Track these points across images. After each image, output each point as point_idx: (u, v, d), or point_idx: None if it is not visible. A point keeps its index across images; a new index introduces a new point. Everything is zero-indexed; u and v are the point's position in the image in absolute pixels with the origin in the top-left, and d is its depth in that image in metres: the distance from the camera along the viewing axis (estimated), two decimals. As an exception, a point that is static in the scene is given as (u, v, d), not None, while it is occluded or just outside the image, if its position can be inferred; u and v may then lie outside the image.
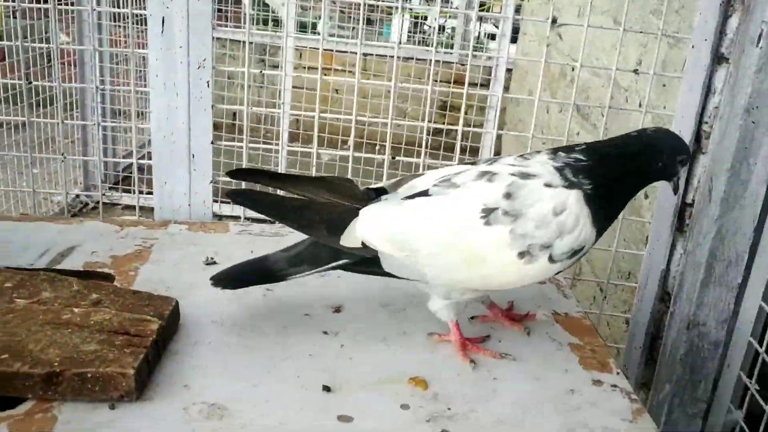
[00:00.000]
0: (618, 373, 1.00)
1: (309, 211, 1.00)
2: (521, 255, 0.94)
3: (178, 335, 1.02)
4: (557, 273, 0.99)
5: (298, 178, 1.07)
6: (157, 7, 1.33)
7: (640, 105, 1.68)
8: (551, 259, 0.94)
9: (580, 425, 0.88)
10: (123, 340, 0.92)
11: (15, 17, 2.71)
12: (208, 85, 1.38)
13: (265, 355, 0.99)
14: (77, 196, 3.71)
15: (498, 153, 3.75)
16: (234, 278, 1.04)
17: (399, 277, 1.00)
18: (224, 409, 0.87)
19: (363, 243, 0.97)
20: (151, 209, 1.51)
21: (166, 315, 0.99)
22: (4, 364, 0.86)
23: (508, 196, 0.94)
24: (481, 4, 5.17)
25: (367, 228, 0.98)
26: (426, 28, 5.08)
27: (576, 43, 2.47)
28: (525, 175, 0.96)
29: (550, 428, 0.87)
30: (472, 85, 4.19)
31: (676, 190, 1.07)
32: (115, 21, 3.77)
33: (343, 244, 0.98)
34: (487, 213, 0.94)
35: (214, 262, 1.25)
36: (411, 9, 5.01)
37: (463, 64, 4.33)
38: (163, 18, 1.33)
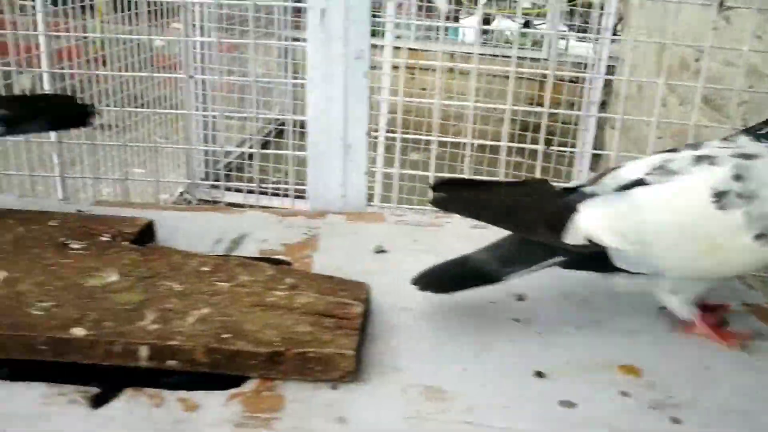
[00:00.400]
0: (838, 366, 0.96)
1: (523, 212, 0.99)
2: (758, 237, 0.91)
3: (372, 320, 1.02)
4: None
5: (496, 183, 1.07)
6: (316, -1, 1.35)
7: None
8: None
9: (816, 417, 0.84)
10: (332, 322, 0.93)
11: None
12: (366, 76, 1.38)
13: (464, 340, 0.98)
14: (181, 193, 3.80)
15: (597, 147, 3.64)
16: (443, 282, 1.02)
17: (628, 272, 0.97)
18: (443, 391, 0.87)
19: (588, 239, 0.96)
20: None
21: (363, 299, 1.00)
22: (228, 343, 0.88)
23: (738, 177, 0.91)
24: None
25: (593, 223, 0.95)
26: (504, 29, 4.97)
27: (697, 33, 2.40)
28: (747, 156, 0.93)
29: (786, 419, 0.84)
30: (571, 81, 4.14)
31: None
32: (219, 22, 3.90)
33: (567, 242, 0.96)
34: (719, 197, 0.91)
35: (384, 251, 1.26)
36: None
37: (560, 63, 4.25)
38: (323, 10, 1.35)
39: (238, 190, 3.46)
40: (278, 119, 4.26)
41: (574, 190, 1.01)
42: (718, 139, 1.00)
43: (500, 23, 5.00)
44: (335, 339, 0.89)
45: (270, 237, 1.30)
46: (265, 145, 4.22)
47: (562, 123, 4.09)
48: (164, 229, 1.26)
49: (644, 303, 1.06)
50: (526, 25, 5.21)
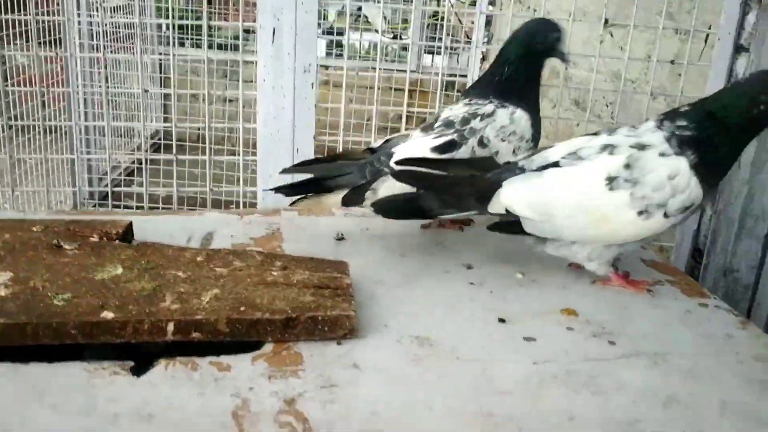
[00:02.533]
0: (715, 298, 1.24)
1: (460, 187, 1.23)
2: (640, 213, 1.15)
3: (354, 292, 1.19)
4: (672, 226, 1.19)
5: (451, 161, 1.30)
6: (268, 19, 1.50)
7: (651, 93, 1.94)
8: (666, 215, 1.16)
9: (709, 334, 1.12)
10: (329, 292, 1.09)
11: None
12: (312, 87, 1.55)
13: (434, 302, 1.18)
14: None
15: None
16: (395, 211, 1.27)
17: (536, 236, 1.22)
18: (429, 339, 1.05)
19: (506, 209, 1.20)
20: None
21: (347, 273, 1.17)
22: (247, 314, 1.02)
23: (627, 166, 1.15)
24: (434, 14, 5.41)
25: (510, 197, 1.20)
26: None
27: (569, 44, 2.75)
28: (641, 146, 1.17)
29: (689, 336, 1.11)
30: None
31: None
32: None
33: (490, 211, 1.21)
34: (611, 181, 1.15)
35: (343, 238, 1.43)
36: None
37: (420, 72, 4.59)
38: (274, 29, 1.51)
39: (127, 207, 3.49)
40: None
41: (511, 164, 1.24)
42: (628, 127, 1.24)
43: (364, 36, 5.25)
44: (337, 304, 1.06)
45: (236, 233, 1.43)
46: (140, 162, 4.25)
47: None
48: (136, 231, 1.36)
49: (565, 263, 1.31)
50: (395, 38, 5.52)
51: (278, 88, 1.54)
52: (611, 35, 2.10)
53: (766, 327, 1.65)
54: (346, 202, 1.36)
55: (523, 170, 1.23)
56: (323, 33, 5.18)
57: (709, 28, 1.78)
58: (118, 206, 3.45)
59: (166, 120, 4.40)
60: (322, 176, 1.40)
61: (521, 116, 1.41)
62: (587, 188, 1.17)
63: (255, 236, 1.42)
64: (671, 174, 1.15)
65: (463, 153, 1.37)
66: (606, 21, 1.71)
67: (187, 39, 4.57)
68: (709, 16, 1.78)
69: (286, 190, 1.41)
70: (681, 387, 0.97)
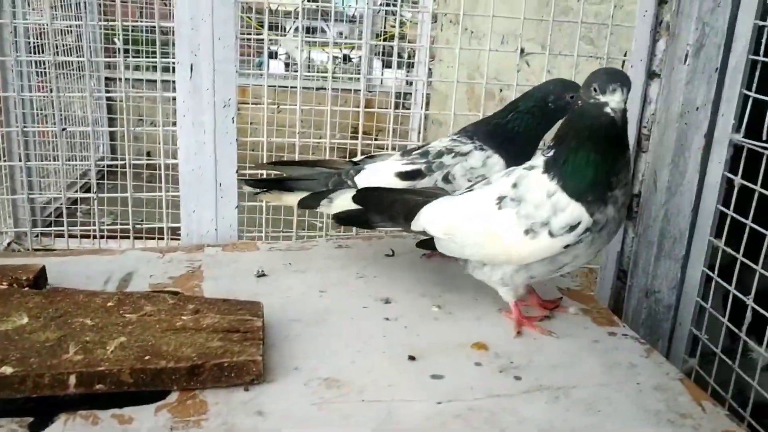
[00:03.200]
0: (624, 326, 1.27)
1: (396, 205, 1.31)
2: (526, 232, 1.16)
3: (268, 332, 1.19)
4: (567, 247, 1.15)
5: (405, 190, 1.39)
6: (185, 55, 1.50)
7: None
8: (551, 234, 1.15)
9: (614, 363, 1.14)
10: (238, 336, 1.09)
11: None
12: (233, 122, 1.55)
13: (347, 339, 1.18)
14: (9, 244, 3.65)
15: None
16: (349, 221, 1.40)
17: (450, 257, 1.29)
18: (338, 381, 1.06)
19: (423, 228, 1.27)
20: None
21: (260, 314, 1.17)
22: (151, 363, 1.01)
23: (514, 185, 1.20)
24: (378, 34, 5.44)
25: (425, 218, 1.26)
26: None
27: (501, 68, 2.80)
28: (530, 167, 1.21)
29: (594, 366, 1.13)
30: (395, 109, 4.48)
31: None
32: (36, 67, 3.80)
33: (412, 229, 1.28)
34: (500, 200, 1.20)
35: (264, 274, 1.43)
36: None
37: (370, 91, 4.63)
38: (192, 65, 1.50)
39: (72, 236, 3.42)
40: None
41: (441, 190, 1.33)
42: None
43: (316, 55, 5.26)
44: (244, 349, 1.06)
45: (156, 273, 1.42)
46: (87, 189, 4.17)
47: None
48: (53, 274, 1.34)
49: (485, 296, 1.32)
50: (345, 58, 5.54)
51: (198, 124, 1.54)
52: (528, 64, 2.15)
53: (687, 346, 1.69)
54: (302, 205, 1.46)
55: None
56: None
57: (625, 55, 1.84)
58: (62, 235, 3.40)
59: (113, 148, 4.35)
60: (290, 177, 1.52)
61: (496, 162, 1.44)
62: (481, 208, 1.22)
63: (174, 275, 1.42)
64: (549, 191, 1.16)
65: (426, 183, 1.43)
66: (522, 50, 1.74)
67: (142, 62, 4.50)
68: (625, 43, 1.84)
69: (253, 182, 1.55)
70: (580, 421, 0.99)
